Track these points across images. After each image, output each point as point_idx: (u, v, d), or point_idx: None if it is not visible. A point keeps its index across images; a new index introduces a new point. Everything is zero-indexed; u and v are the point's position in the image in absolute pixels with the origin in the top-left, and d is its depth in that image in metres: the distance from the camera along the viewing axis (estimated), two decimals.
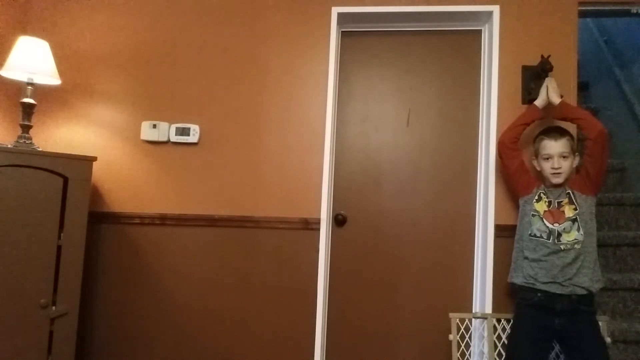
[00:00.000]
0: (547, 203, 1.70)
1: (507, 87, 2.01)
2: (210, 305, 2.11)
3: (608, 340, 1.72)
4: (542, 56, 1.93)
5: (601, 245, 2.39)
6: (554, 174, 1.67)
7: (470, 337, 2.01)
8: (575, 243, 1.61)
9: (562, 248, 1.62)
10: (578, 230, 1.63)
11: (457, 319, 1.88)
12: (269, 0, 2.19)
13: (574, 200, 1.67)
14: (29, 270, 1.70)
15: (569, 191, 1.69)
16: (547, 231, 1.66)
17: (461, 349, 1.94)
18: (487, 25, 2.13)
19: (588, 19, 3.44)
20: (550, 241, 1.64)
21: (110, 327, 2.15)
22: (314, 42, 2.15)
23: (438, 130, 2.17)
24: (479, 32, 2.17)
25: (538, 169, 1.76)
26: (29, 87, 1.88)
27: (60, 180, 1.82)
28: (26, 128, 1.88)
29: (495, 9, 2.04)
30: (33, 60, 1.85)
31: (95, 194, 2.17)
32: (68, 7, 2.28)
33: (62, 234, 1.83)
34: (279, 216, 2.09)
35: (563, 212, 1.67)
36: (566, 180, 1.71)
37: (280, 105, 2.14)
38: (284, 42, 2.17)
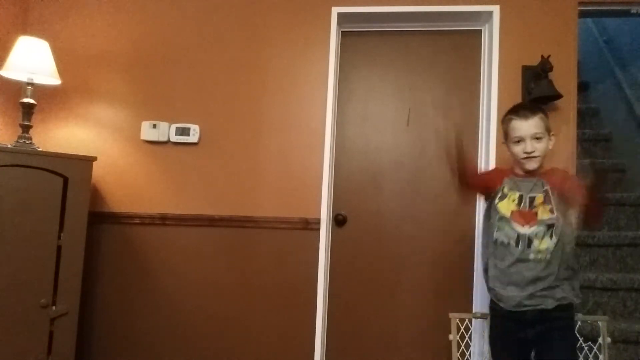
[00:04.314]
0: (515, 200, 1.47)
1: (507, 87, 2.01)
2: (210, 305, 2.11)
3: (608, 340, 1.71)
4: (542, 56, 1.93)
5: (601, 245, 2.39)
6: (527, 158, 1.45)
7: (470, 337, 2.01)
8: (548, 253, 1.40)
9: (532, 258, 1.41)
10: (551, 237, 1.41)
11: (457, 319, 1.88)
12: (269, 0, 2.19)
13: (551, 200, 1.44)
14: (29, 270, 1.70)
15: (547, 188, 1.45)
16: (516, 236, 1.44)
17: (461, 349, 1.94)
18: (487, 25, 2.13)
19: (588, 19, 3.44)
20: (519, 248, 1.42)
21: (110, 327, 2.15)
22: (314, 42, 2.15)
23: (438, 130, 2.16)
24: (479, 32, 2.17)
25: (509, 153, 1.55)
26: (29, 87, 1.88)
27: (60, 180, 1.82)
28: (26, 128, 1.88)
29: (495, 9, 2.04)
30: (33, 60, 1.86)
31: (95, 194, 2.17)
32: (68, 7, 2.28)
33: (62, 234, 1.83)
34: (279, 216, 2.09)
35: (536, 213, 1.44)
36: (542, 169, 1.49)
37: (281, 105, 2.14)
38: (284, 42, 2.17)
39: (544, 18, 2.03)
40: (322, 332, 2.08)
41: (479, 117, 2.14)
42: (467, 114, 2.15)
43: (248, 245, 2.11)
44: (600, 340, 1.71)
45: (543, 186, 1.47)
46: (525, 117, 1.45)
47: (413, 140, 2.17)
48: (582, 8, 2.07)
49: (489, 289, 1.56)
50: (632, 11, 2.27)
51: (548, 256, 1.40)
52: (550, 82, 1.91)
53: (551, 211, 1.43)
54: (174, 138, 2.14)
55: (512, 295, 1.44)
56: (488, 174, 1.69)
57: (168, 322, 2.13)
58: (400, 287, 2.13)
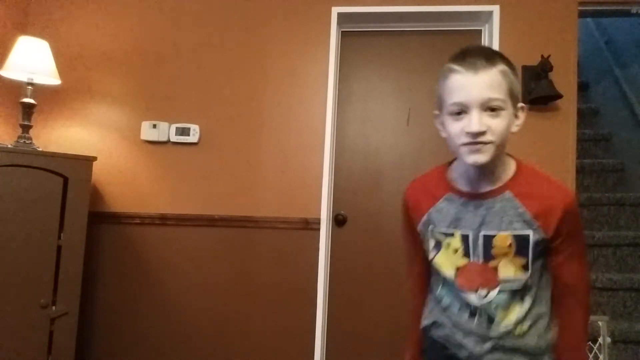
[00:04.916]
0: (458, 250, 0.90)
1: None
2: (210, 305, 2.11)
3: (608, 340, 1.72)
4: (542, 56, 1.93)
5: (601, 245, 2.40)
6: (471, 144, 0.81)
7: None
8: (520, 322, 0.88)
9: (494, 336, 0.88)
10: (522, 301, 0.88)
11: None
12: (269, 0, 2.19)
13: (529, 248, 0.85)
14: (29, 270, 1.70)
15: (524, 215, 0.85)
16: (467, 306, 0.91)
17: None
18: (487, 25, 2.13)
19: (588, 19, 3.44)
20: (475, 322, 0.90)
21: (110, 327, 2.15)
22: (314, 42, 2.15)
23: (438, 130, 2.16)
24: (479, 32, 2.17)
25: (444, 135, 0.92)
26: (29, 87, 1.88)
27: (60, 180, 1.82)
28: (26, 128, 1.88)
29: (495, 9, 2.04)
30: (33, 60, 1.85)
31: (95, 194, 2.17)
32: (68, 7, 2.28)
33: (62, 234, 1.83)
34: (279, 216, 2.09)
35: (495, 269, 0.86)
36: (507, 169, 0.88)
37: (280, 105, 2.14)
38: (284, 42, 2.16)
39: (544, 18, 2.03)
40: (322, 332, 2.08)
41: None
42: None
43: (248, 245, 2.11)
44: (600, 340, 1.71)
45: (511, 211, 0.85)
46: (474, 67, 0.80)
47: (413, 140, 2.17)
48: (582, 8, 2.07)
49: (427, 328, 1.01)
50: (632, 11, 2.27)
51: (520, 326, 0.88)
52: (550, 82, 1.91)
53: (524, 267, 0.85)
54: (174, 138, 2.14)
55: (467, 345, 0.92)
56: (406, 236, 1.08)
57: (168, 321, 2.13)
58: (400, 287, 2.13)
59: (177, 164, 2.16)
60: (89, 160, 1.96)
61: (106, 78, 2.23)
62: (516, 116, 0.86)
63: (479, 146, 0.81)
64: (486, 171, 0.87)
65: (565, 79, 1.97)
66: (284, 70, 2.15)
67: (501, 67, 0.82)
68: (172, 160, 2.16)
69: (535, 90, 1.93)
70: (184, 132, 2.14)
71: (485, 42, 2.14)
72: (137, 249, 2.15)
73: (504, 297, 0.87)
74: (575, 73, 2.00)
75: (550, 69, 1.89)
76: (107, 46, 2.24)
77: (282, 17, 2.17)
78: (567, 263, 0.87)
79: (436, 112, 0.95)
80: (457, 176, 0.94)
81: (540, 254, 0.88)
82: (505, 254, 0.86)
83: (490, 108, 0.81)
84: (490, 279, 0.87)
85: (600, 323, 1.71)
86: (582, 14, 2.11)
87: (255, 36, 2.18)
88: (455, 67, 0.83)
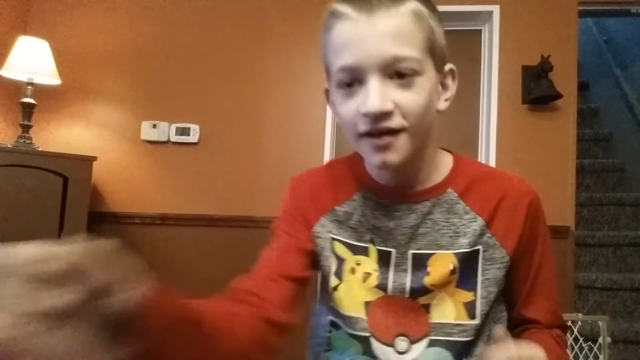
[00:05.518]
0: (374, 273, 0.61)
1: (507, 87, 2.01)
2: None
3: (608, 340, 1.71)
4: (542, 56, 1.93)
5: (601, 245, 2.39)
6: (373, 135, 0.51)
7: None
8: None
9: None
10: (468, 357, 0.57)
11: None
12: (269, 0, 2.19)
13: (478, 268, 0.57)
14: None
15: (470, 212, 0.58)
16: None
17: None
18: (487, 25, 2.13)
19: (588, 19, 3.44)
20: None
21: None
22: (314, 41, 2.15)
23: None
24: (479, 32, 2.17)
25: (338, 120, 0.60)
26: (29, 87, 1.88)
27: (60, 180, 1.82)
28: (26, 128, 1.88)
29: (495, 9, 2.04)
30: (33, 60, 1.86)
31: (95, 194, 2.17)
32: (68, 7, 2.27)
33: (62, 234, 1.82)
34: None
35: (425, 308, 0.57)
36: (428, 168, 0.60)
37: (280, 105, 2.14)
38: (284, 42, 2.16)
39: (544, 18, 2.03)
40: None
41: (478, 118, 2.14)
42: (466, 114, 2.15)
43: (248, 245, 2.10)
44: (600, 340, 1.71)
45: (456, 218, 0.58)
46: (368, 7, 0.49)
47: None
48: (582, 8, 2.07)
49: None
50: (632, 11, 2.28)
51: None
52: (550, 82, 1.91)
53: (471, 307, 0.56)
54: (174, 138, 2.14)
55: None
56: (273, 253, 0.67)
57: None
58: None
59: (177, 164, 2.16)
60: (89, 160, 1.96)
61: (106, 78, 2.23)
62: (443, 85, 0.57)
63: (386, 140, 0.51)
64: (405, 175, 0.58)
65: (565, 79, 1.97)
66: (284, 70, 2.15)
67: (412, 5, 0.51)
68: (172, 160, 2.16)
69: (535, 90, 1.93)
70: (184, 132, 2.14)
71: (485, 42, 2.14)
72: (137, 249, 2.14)
73: (436, 354, 0.55)
74: (575, 73, 2.00)
75: (550, 69, 1.90)
76: (107, 46, 2.24)
77: (282, 17, 2.17)
78: (532, 295, 0.59)
79: (326, 86, 0.62)
80: (374, 173, 0.62)
81: (497, 285, 0.57)
82: (444, 285, 0.56)
83: (397, 73, 0.50)
84: (415, 323, 0.56)
85: (600, 323, 1.71)
86: (582, 14, 2.12)
87: (255, 36, 2.18)
88: (340, 8, 0.52)
